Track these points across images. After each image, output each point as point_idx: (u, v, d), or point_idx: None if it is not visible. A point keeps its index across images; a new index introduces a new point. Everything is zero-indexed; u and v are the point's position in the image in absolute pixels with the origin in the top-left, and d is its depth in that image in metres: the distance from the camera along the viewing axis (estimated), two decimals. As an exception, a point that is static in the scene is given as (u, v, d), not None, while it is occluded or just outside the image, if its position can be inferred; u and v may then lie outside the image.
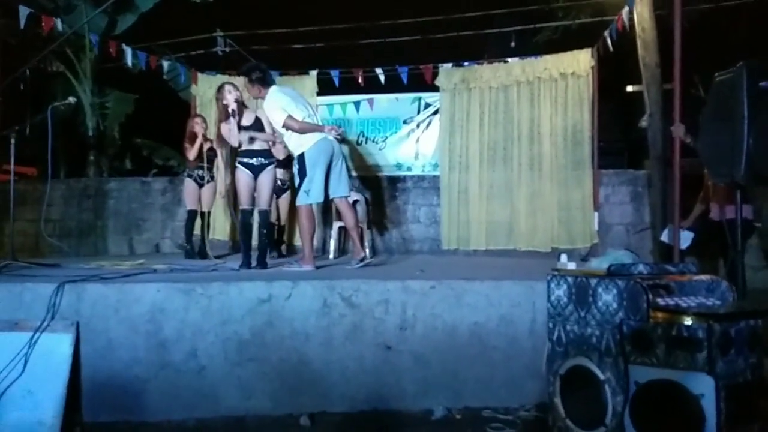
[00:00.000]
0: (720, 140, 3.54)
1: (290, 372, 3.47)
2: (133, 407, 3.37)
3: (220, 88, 5.06)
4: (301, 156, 4.63)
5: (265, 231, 4.93)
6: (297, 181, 4.71)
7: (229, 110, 4.78)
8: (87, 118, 9.26)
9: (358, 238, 4.87)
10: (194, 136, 6.09)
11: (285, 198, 6.47)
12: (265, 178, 4.89)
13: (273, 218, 6.06)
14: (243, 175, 4.86)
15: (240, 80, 5.26)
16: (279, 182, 6.02)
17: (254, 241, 5.07)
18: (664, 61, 6.42)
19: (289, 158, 5.92)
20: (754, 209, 4.63)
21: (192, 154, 6.05)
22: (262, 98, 4.78)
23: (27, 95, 8.46)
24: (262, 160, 4.90)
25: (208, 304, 3.48)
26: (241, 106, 4.95)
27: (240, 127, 4.86)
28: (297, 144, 4.66)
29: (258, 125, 4.96)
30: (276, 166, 5.17)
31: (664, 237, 4.88)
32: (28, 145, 6.06)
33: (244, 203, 4.89)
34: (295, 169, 4.74)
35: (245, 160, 4.87)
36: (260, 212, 4.92)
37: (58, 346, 2.76)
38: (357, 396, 3.49)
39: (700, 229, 4.66)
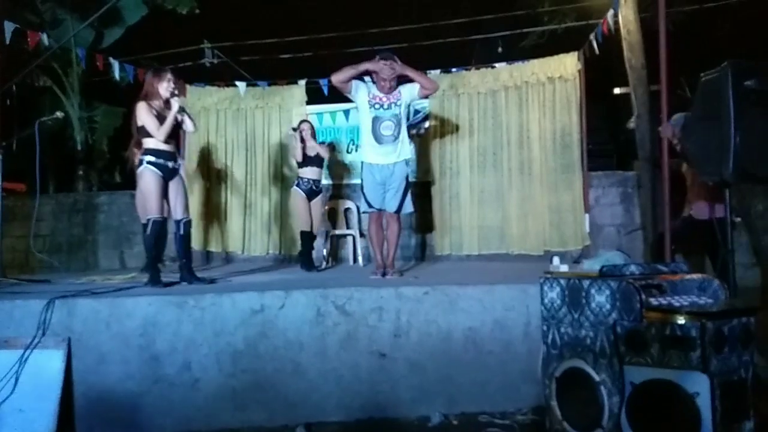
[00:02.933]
0: (707, 139, 3.57)
1: (285, 382, 3.45)
2: (127, 422, 3.33)
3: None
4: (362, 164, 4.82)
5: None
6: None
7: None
8: (75, 132, 9.22)
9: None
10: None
11: (316, 202, 6.04)
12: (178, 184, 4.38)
13: (305, 225, 5.87)
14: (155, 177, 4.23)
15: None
16: (310, 184, 5.88)
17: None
18: (650, 63, 6.47)
19: (319, 157, 5.90)
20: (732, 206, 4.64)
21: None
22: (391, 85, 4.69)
23: (14, 111, 8.42)
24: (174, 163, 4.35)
25: (201, 316, 3.46)
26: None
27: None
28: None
29: None
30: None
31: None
32: (16, 160, 6.02)
33: (155, 212, 4.22)
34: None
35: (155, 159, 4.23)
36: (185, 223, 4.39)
37: (49, 363, 2.73)
38: (353, 405, 3.47)
39: (685, 228, 4.67)
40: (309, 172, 5.92)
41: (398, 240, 4.94)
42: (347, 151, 7.47)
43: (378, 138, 4.68)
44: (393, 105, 4.67)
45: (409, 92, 4.72)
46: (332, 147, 7.11)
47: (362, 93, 4.70)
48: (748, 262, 5.96)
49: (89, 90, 9.46)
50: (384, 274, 4.69)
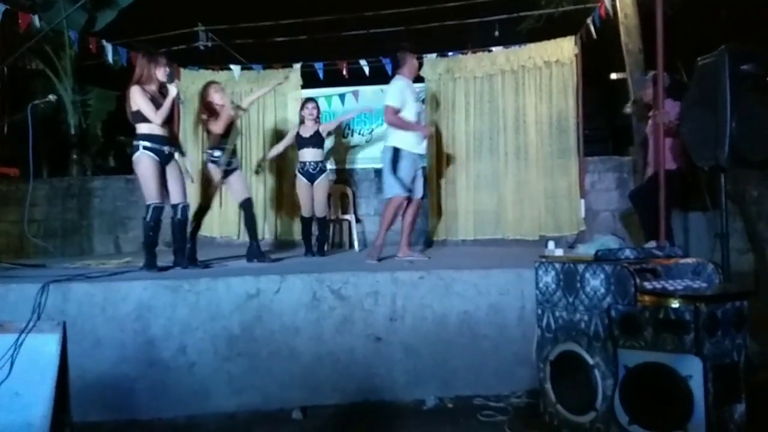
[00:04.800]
0: (703, 124, 3.57)
1: (281, 366, 3.47)
2: (123, 406, 3.35)
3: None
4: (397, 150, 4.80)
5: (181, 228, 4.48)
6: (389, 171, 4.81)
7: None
8: (69, 116, 9.13)
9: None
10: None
11: (318, 185, 5.78)
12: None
13: (305, 211, 5.78)
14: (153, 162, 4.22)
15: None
16: (309, 167, 5.73)
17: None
18: (647, 47, 6.44)
19: (319, 136, 5.76)
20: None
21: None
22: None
23: (6, 94, 8.33)
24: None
25: (196, 300, 3.46)
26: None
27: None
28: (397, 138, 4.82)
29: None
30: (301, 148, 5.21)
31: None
32: (9, 144, 5.97)
33: (155, 197, 4.24)
34: (387, 159, 4.82)
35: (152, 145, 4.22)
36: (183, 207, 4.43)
37: (44, 347, 2.73)
38: (348, 388, 3.49)
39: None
40: (308, 154, 5.72)
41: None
42: (343, 136, 7.45)
43: None
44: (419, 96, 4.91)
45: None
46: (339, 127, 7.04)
47: (410, 90, 4.95)
48: (743, 247, 5.98)
49: (82, 73, 9.35)
50: (380, 259, 4.73)
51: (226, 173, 5.01)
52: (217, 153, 4.95)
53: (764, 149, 3.61)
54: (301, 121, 5.83)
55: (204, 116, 4.99)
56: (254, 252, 4.94)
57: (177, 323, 3.44)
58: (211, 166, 4.98)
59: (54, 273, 3.95)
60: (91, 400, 3.23)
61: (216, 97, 4.97)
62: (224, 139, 4.99)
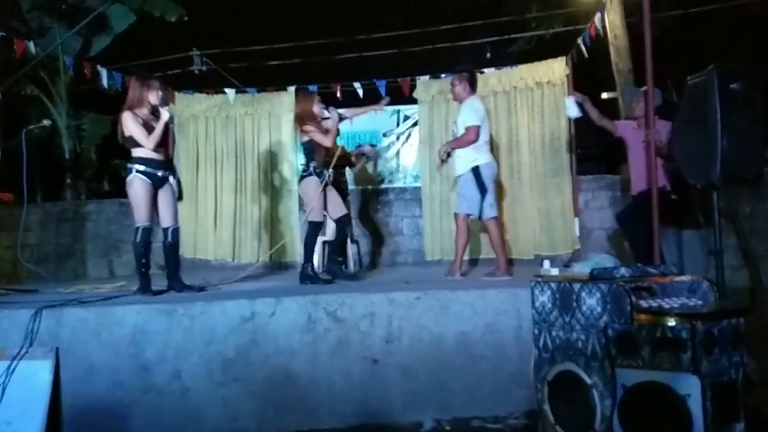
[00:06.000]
0: (695, 142, 3.60)
1: (276, 390, 3.43)
2: (117, 433, 3.30)
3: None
4: (477, 169, 4.83)
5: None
6: (476, 193, 4.83)
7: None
8: (63, 140, 9.16)
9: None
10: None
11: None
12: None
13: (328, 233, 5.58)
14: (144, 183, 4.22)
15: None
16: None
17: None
18: (637, 68, 6.54)
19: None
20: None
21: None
22: (460, 99, 5.03)
23: (0, 119, 8.35)
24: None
25: (191, 324, 3.43)
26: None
27: None
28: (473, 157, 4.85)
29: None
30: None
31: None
32: (2, 169, 5.95)
33: (144, 219, 4.24)
34: (470, 179, 4.84)
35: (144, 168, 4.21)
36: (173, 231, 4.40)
37: (37, 374, 2.69)
38: (345, 412, 3.45)
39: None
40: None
41: None
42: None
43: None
44: None
45: None
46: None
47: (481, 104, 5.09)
48: (737, 264, 6.00)
49: (77, 98, 9.41)
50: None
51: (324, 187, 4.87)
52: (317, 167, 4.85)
53: (755, 166, 3.65)
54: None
55: (308, 127, 4.83)
56: (338, 272, 4.93)
57: (171, 347, 3.40)
58: (312, 179, 4.82)
59: (47, 298, 3.91)
60: (85, 427, 3.18)
61: (317, 109, 4.88)
62: (328, 152, 4.96)
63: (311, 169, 4.82)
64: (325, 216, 5.03)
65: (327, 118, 4.87)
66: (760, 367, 3.32)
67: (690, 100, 3.74)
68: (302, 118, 4.88)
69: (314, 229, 4.84)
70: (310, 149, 4.85)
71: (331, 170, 4.98)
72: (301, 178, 4.94)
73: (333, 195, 4.95)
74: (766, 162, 3.77)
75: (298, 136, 4.93)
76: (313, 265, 4.84)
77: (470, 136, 4.81)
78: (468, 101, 4.97)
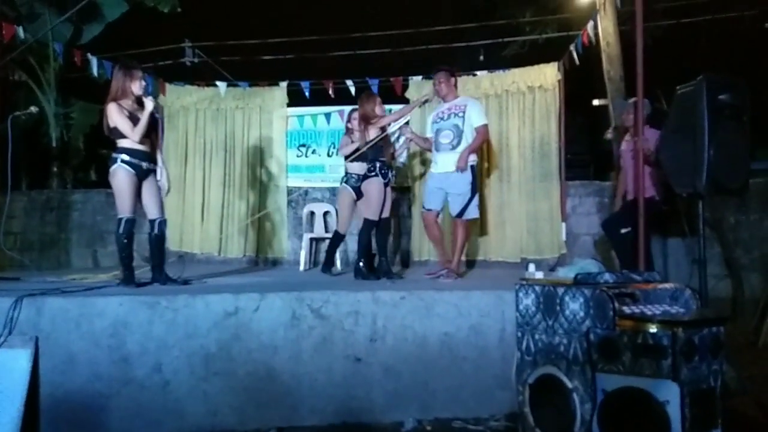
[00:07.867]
0: (682, 151, 3.63)
1: (258, 386, 3.42)
2: (95, 425, 3.26)
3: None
4: (473, 168, 4.94)
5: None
6: (468, 191, 4.89)
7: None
8: (50, 128, 9.05)
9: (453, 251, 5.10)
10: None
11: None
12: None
13: (342, 227, 5.53)
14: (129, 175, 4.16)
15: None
16: (354, 178, 5.36)
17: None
18: (628, 75, 6.57)
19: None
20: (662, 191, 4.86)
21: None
22: (445, 98, 5.08)
23: (-13, 105, 8.24)
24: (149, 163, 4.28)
25: (173, 317, 3.41)
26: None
27: None
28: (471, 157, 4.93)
29: None
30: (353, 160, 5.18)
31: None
32: (-13, 156, 5.88)
33: (128, 211, 4.18)
34: (468, 180, 4.88)
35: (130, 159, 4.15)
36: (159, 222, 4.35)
37: (15, 363, 2.67)
38: (326, 409, 3.44)
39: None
40: (358, 167, 5.29)
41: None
42: (327, 155, 7.45)
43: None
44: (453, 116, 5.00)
45: None
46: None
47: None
48: (720, 273, 6.06)
49: (66, 86, 9.30)
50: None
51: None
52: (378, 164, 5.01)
53: (741, 177, 3.68)
54: (350, 132, 5.72)
55: (371, 128, 5.04)
56: (384, 269, 4.98)
57: (153, 340, 3.38)
58: (376, 180, 4.95)
59: (29, 287, 3.87)
60: (62, 419, 3.15)
61: (379, 110, 5.09)
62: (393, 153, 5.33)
63: (377, 169, 4.96)
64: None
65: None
66: (739, 376, 3.36)
67: (679, 109, 3.76)
68: (367, 119, 5.03)
69: (369, 226, 4.97)
70: (378, 149, 5.00)
71: (393, 171, 5.21)
72: (365, 177, 5.03)
73: (389, 195, 5.12)
74: (751, 173, 3.80)
75: (366, 136, 5.04)
76: (364, 261, 4.95)
77: (486, 135, 5.06)
78: (472, 101, 5.14)
